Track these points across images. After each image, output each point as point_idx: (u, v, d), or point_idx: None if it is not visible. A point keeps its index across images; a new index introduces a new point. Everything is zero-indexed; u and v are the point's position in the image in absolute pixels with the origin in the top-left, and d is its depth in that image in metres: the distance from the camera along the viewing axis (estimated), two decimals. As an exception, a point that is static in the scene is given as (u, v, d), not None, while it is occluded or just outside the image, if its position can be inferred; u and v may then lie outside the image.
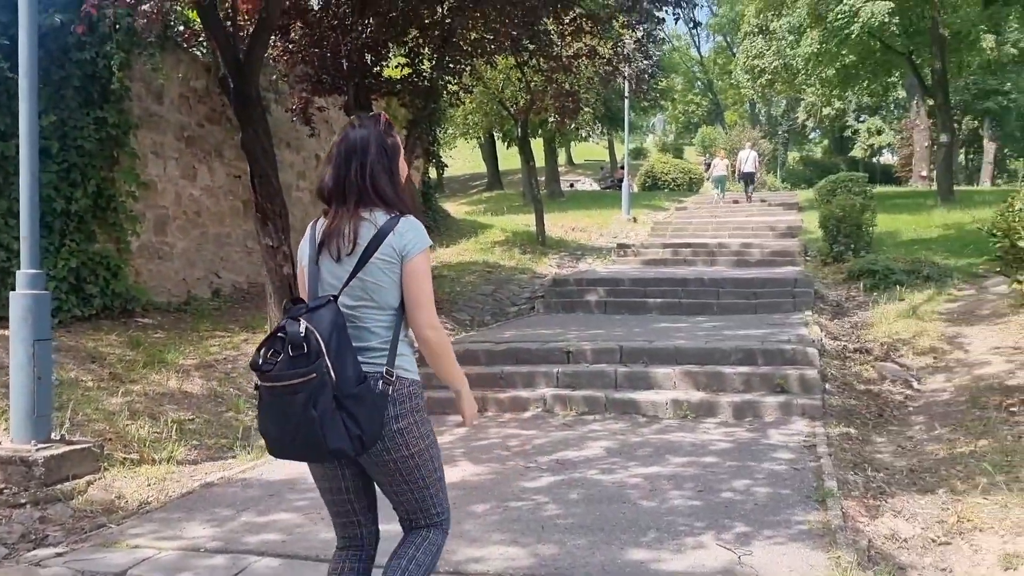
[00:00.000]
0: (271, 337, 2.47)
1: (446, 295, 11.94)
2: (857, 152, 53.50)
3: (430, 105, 11.73)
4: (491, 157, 37.62)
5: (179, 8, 8.86)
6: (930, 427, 5.98)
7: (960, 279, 11.30)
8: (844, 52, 23.72)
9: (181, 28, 10.06)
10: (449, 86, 11.95)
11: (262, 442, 6.38)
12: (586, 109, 20.48)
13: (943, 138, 23.65)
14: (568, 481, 5.13)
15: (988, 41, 27.77)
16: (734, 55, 51.53)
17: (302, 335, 2.38)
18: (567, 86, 14.89)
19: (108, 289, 9.04)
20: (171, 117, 10.46)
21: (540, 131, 27.17)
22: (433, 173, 24.84)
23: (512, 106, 20.45)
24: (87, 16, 6.98)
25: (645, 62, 16.00)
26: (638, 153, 52.84)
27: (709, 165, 31.96)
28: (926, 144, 34.79)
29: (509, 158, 38.59)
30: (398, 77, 11.66)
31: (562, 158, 44.46)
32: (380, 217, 2.54)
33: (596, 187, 39.08)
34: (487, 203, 28.44)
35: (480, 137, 33.44)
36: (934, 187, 27.95)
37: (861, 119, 53.16)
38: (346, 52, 10.26)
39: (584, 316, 11.13)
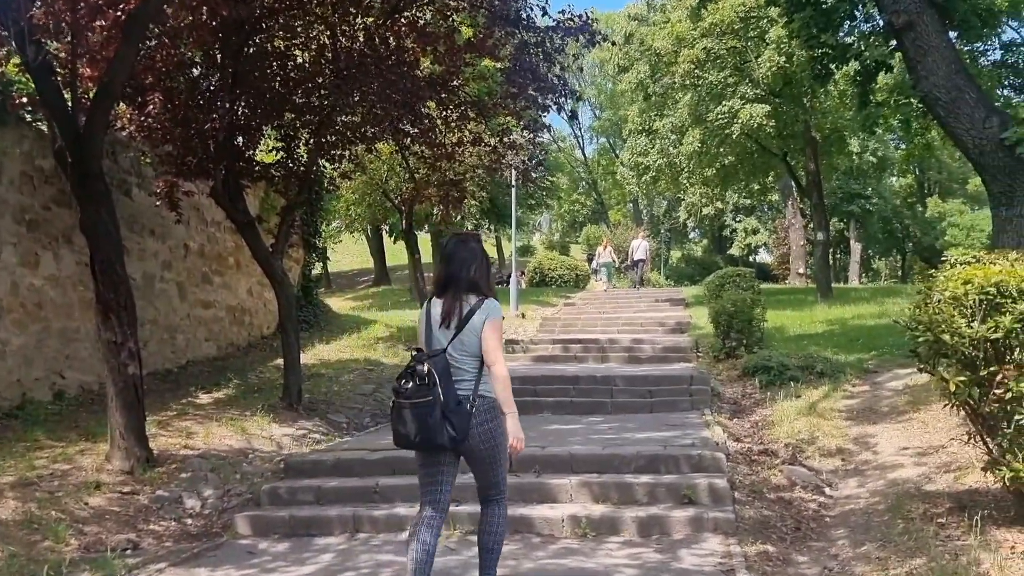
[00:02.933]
0: (405, 372, 4.12)
1: (322, 395, 10.92)
2: (735, 251, 55.43)
3: (305, 192, 10.94)
4: (378, 251, 36.89)
5: (5, 71, 7.86)
6: (855, 542, 5.39)
7: (852, 374, 11.08)
8: (723, 152, 24.35)
9: (24, 100, 8.97)
10: (327, 171, 11.22)
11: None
12: (472, 201, 20.06)
13: (819, 236, 24.37)
14: (450, 626, 4.26)
15: (854, 145, 29.24)
16: (617, 156, 53.02)
17: (425, 372, 4.00)
18: (451, 174, 14.39)
19: (-83, 394, 7.76)
20: (10, 198, 9.28)
21: (426, 224, 26.66)
22: (319, 267, 23.78)
23: (396, 197, 19.86)
24: None
25: (533, 157, 15.72)
26: (525, 250, 53.07)
27: (591, 258, 32.30)
28: (802, 243, 36.15)
29: (398, 253, 37.94)
30: (272, 161, 10.86)
31: (450, 254, 44.06)
32: (472, 299, 4.14)
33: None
34: (373, 298, 27.42)
35: (365, 230, 32.69)
36: (811, 284, 28.82)
37: (738, 219, 55.26)
38: (213, 133, 9.42)
39: (471, 417, 10.31)
